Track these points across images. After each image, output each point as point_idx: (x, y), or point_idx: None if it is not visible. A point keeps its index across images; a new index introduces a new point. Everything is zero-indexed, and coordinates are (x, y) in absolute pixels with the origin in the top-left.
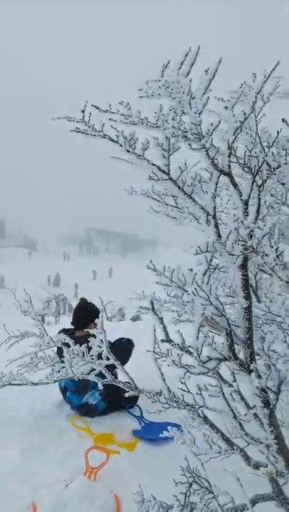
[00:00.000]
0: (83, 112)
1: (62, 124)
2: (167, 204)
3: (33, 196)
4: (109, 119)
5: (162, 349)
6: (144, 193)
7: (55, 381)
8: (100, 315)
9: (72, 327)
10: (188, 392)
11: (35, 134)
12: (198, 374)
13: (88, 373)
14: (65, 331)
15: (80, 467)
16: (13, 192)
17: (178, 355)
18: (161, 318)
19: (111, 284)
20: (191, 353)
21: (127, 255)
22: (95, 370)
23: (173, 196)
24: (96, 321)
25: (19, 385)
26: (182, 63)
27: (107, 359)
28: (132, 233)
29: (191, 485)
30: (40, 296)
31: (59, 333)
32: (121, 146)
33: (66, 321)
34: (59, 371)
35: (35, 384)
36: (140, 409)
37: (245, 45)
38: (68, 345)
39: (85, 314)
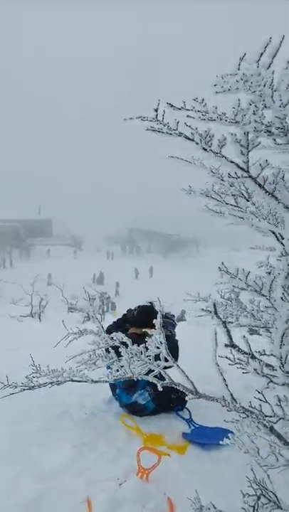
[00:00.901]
0: (156, 110)
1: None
2: (227, 203)
3: (79, 196)
4: (187, 116)
5: (222, 354)
6: (203, 193)
7: (115, 380)
8: (158, 316)
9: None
10: (266, 402)
11: (85, 135)
12: (283, 385)
13: (146, 374)
14: (117, 326)
15: (131, 466)
16: (61, 191)
17: (260, 363)
18: (224, 322)
19: (152, 284)
20: (260, 360)
21: (169, 255)
22: (153, 371)
23: (233, 195)
24: (154, 321)
25: (79, 381)
26: (261, 54)
27: (166, 360)
28: (174, 233)
29: (259, 498)
30: (85, 293)
31: (112, 326)
32: (197, 143)
33: (111, 319)
34: (118, 370)
35: (96, 382)
36: (189, 412)
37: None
38: (126, 345)
39: (151, 316)
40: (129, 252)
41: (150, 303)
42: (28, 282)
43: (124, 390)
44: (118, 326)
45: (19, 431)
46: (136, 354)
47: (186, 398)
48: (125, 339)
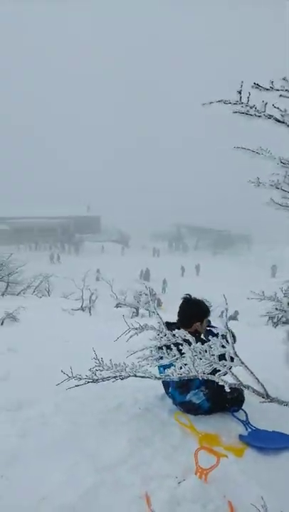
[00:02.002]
0: (240, 93)
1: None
2: None
3: (127, 193)
4: (280, 95)
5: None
6: (273, 185)
7: (179, 378)
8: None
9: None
10: None
11: (132, 133)
12: None
13: (210, 373)
14: (168, 324)
15: (188, 465)
16: (110, 188)
17: None
18: None
19: (199, 282)
20: None
21: (217, 252)
22: (219, 370)
23: None
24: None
25: (143, 377)
26: None
27: (231, 360)
28: (223, 230)
29: None
30: (133, 289)
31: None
32: (288, 126)
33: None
34: (181, 367)
35: (159, 378)
36: (246, 413)
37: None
38: (188, 342)
39: (191, 312)
40: (176, 249)
41: (187, 296)
42: (77, 277)
43: (176, 388)
44: (169, 324)
45: (76, 422)
46: (200, 352)
47: (259, 401)
48: (188, 336)
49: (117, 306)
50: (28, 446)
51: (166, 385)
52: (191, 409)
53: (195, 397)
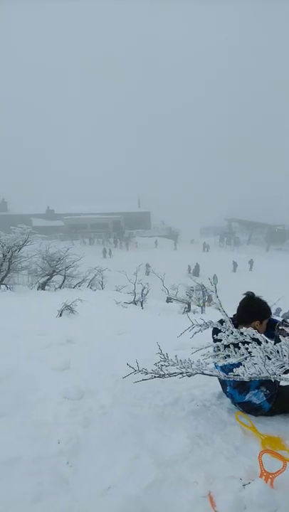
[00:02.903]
0: None
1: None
2: None
3: (176, 187)
4: None
5: None
6: None
7: (250, 378)
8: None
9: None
10: None
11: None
12: None
13: (285, 373)
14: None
15: (252, 468)
16: (159, 183)
17: None
18: None
19: (252, 277)
20: None
21: (271, 248)
22: None
23: None
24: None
25: (210, 375)
26: None
27: None
28: (278, 225)
29: None
30: (184, 284)
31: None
32: None
33: (210, 312)
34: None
35: (228, 378)
36: None
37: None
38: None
39: (253, 310)
40: (227, 243)
41: (249, 294)
42: (129, 271)
43: (235, 388)
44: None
45: (134, 414)
46: (271, 352)
47: None
48: (257, 335)
49: (168, 300)
50: (91, 436)
51: (223, 383)
52: (251, 409)
53: (255, 397)
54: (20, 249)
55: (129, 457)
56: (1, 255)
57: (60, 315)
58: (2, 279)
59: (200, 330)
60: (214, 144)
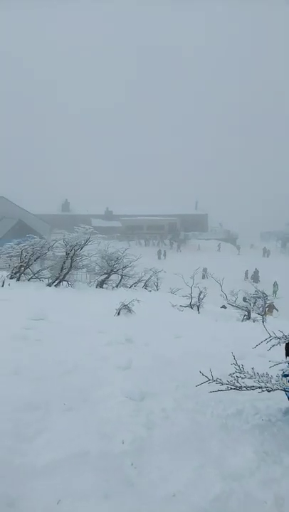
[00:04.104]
0: None
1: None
2: None
3: (235, 190)
4: None
5: None
6: None
7: None
8: None
9: None
10: None
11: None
12: None
13: None
14: None
15: None
16: (219, 186)
17: None
18: None
19: None
20: None
21: None
22: None
23: None
24: None
25: None
26: None
27: None
28: None
29: None
30: (243, 290)
31: None
32: None
33: (271, 321)
34: None
35: None
36: None
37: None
38: None
39: None
40: None
41: None
42: (185, 274)
43: None
44: None
45: (197, 421)
46: None
47: None
48: None
49: (223, 306)
50: (154, 439)
51: None
52: None
53: None
54: (82, 248)
55: (193, 465)
56: (65, 253)
57: (118, 314)
58: (64, 276)
59: (278, 343)
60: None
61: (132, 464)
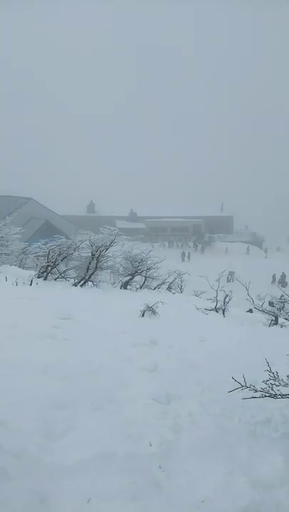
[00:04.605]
0: None
1: None
2: None
3: (261, 191)
4: None
5: None
6: None
7: None
8: None
9: None
10: None
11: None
12: None
13: None
14: None
15: None
16: (242, 186)
17: None
18: None
19: None
20: None
21: None
22: None
23: None
24: None
25: None
26: None
27: None
28: None
29: None
30: (270, 294)
31: None
32: None
33: None
34: None
35: None
36: None
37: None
38: None
39: None
40: None
41: None
42: (210, 277)
43: None
44: None
45: (224, 427)
46: None
47: None
48: None
49: (249, 310)
50: (181, 443)
51: None
52: None
53: None
54: (107, 249)
55: (221, 471)
56: (90, 254)
57: (143, 315)
58: (90, 276)
59: None
60: None
61: (160, 467)
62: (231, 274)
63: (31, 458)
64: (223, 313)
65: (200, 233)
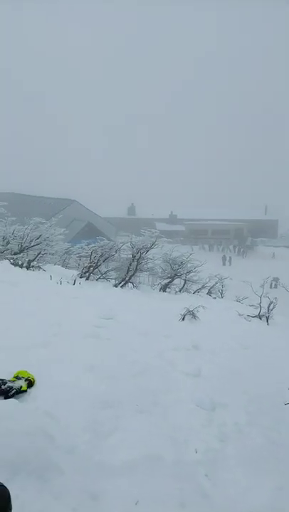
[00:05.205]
0: None
1: None
2: None
3: None
4: None
5: None
6: None
7: None
8: None
9: None
10: None
11: None
12: None
13: None
14: None
15: None
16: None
17: None
18: None
19: None
20: None
21: None
22: None
23: None
24: None
25: None
26: None
27: None
28: None
29: None
30: None
31: None
32: None
33: None
34: None
35: None
36: None
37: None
38: None
39: None
40: None
41: None
42: (251, 281)
43: None
44: None
45: (273, 440)
46: None
47: None
48: None
49: None
50: (228, 452)
51: None
52: None
53: None
54: (148, 251)
55: (270, 486)
56: (131, 255)
57: (183, 319)
58: (130, 278)
59: None
60: None
61: (206, 475)
62: (275, 280)
63: (82, 455)
64: (267, 321)
65: (242, 237)
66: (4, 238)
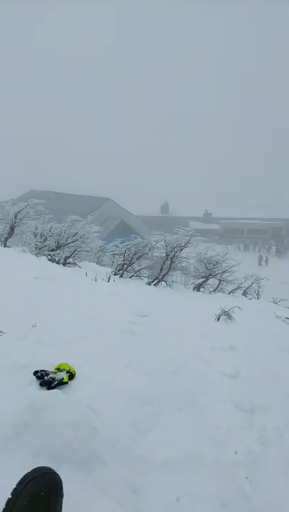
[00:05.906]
0: None
1: None
2: None
3: None
4: None
5: None
6: None
7: None
8: None
9: None
10: None
11: None
12: None
13: None
14: None
15: None
16: None
17: None
18: None
19: None
20: None
21: None
22: None
23: None
24: None
25: None
26: None
27: None
28: None
29: None
30: None
31: None
32: None
33: None
34: None
35: None
36: None
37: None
38: None
39: None
40: None
41: None
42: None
43: None
44: None
45: None
46: None
47: None
48: None
49: None
50: (269, 456)
51: None
52: None
53: None
54: (182, 249)
55: None
56: (165, 254)
57: (218, 319)
58: (163, 276)
59: None
60: None
61: (247, 478)
62: None
63: (123, 449)
64: None
65: (280, 237)
66: (42, 235)
